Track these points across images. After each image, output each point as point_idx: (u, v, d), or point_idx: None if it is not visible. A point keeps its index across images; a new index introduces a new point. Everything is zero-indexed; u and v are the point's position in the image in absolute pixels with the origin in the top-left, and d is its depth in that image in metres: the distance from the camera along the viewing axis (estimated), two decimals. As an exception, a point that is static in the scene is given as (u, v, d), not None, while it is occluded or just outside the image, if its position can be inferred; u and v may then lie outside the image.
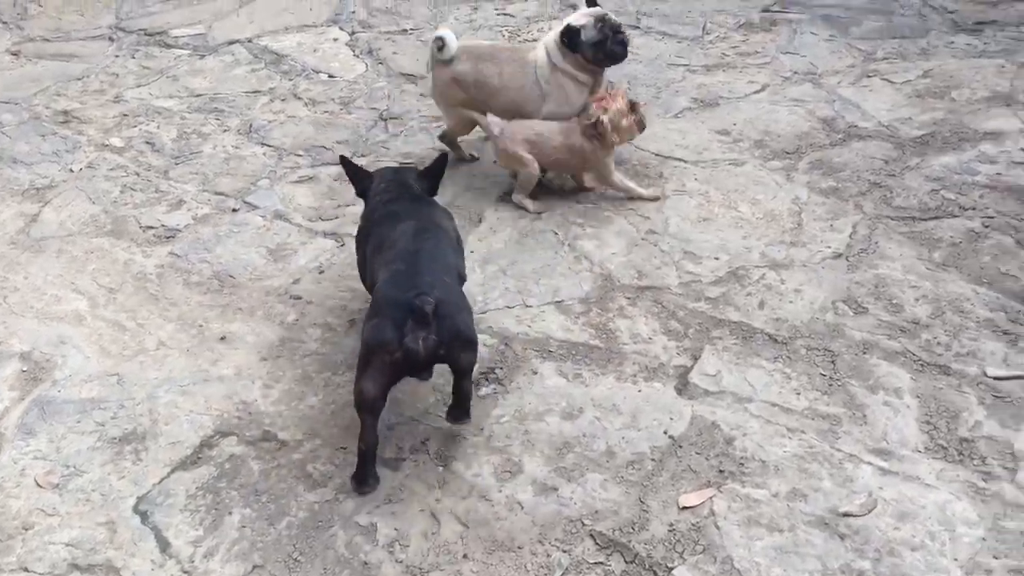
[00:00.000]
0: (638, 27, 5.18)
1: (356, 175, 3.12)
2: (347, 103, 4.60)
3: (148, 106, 4.59)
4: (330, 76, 4.86)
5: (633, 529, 2.40)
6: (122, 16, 5.60)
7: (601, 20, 3.64)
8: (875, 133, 4.13)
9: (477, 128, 4.00)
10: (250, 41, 5.23)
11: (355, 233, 3.10)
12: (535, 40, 5.01)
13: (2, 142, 4.32)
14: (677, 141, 4.13)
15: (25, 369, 3.00)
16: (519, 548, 2.38)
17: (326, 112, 4.52)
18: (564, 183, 3.89)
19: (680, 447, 2.65)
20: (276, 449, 2.69)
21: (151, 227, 3.70)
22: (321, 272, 3.44)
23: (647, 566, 2.32)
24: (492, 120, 3.68)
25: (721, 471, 2.57)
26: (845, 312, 3.13)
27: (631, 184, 3.76)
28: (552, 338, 3.08)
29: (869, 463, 2.56)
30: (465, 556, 2.37)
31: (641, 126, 3.67)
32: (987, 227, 3.48)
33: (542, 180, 3.77)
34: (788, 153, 4.02)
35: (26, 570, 2.37)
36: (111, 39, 5.31)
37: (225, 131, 4.37)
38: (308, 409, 2.84)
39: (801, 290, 3.24)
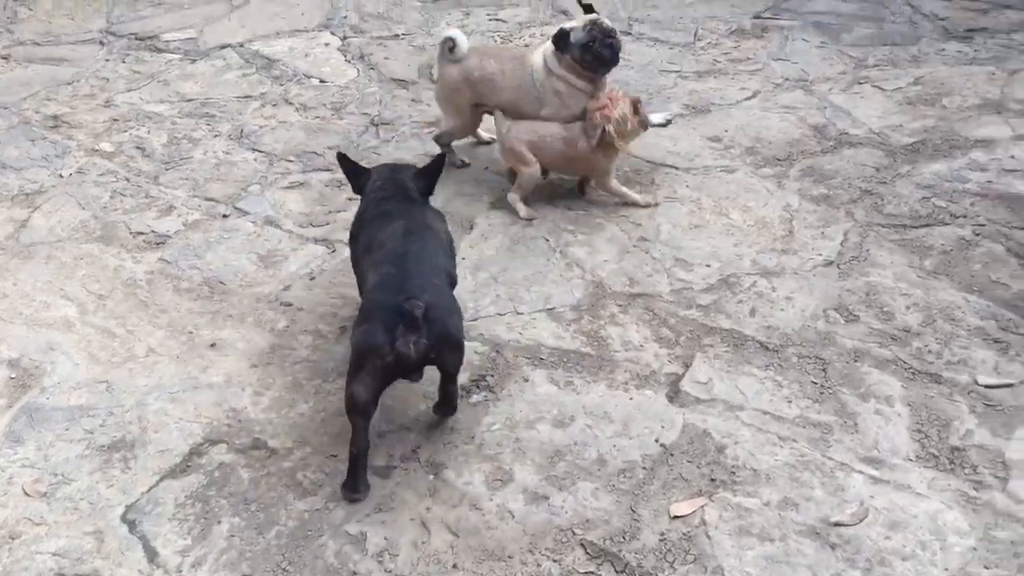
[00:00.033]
0: (630, 33, 5.18)
1: (354, 172, 3.11)
2: (338, 108, 4.59)
3: (138, 111, 4.57)
4: (321, 81, 4.85)
5: (624, 538, 2.40)
6: (113, 20, 5.57)
7: (592, 24, 3.64)
8: (866, 140, 4.14)
9: (468, 137, 4.03)
10: (241, 46, 5.21)
11: (349, 228, 3.09)
12: (528, 45, 5.02)
13: (-9, 147, 4.30)
14: (668, 148, 4.13)
15: (13, 376, 2.98)
16: (509, 558, 2.37)
17: (317, 117, 4.51)
18: (564, 182, 3.89)
19: (671, 455, 2.65)
20: (266, 457, 2.68)
21: (141, 233, 3.68)
22: (312, 279, 3.43)
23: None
24: (499, 117, 3.72)
25: (712, 480, 2.56)
26: (836, 320, 3.13)
27: (625, 189, 3.76)
28: (543, 345, 3.07)
29: (860, 472, 2.56)
30: (455, 566, 2.36)
31: (644, 126, 3.68)
32: (978, 235, 3.49)
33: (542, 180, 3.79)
34: (779, 160, 4.03)
35: (12, 580, 2.35)
36: (102, 43, 5.29)
37: (216, 136, 4.36)
38: (298, 417, 2.82)
39: (792, 298, 3.24)
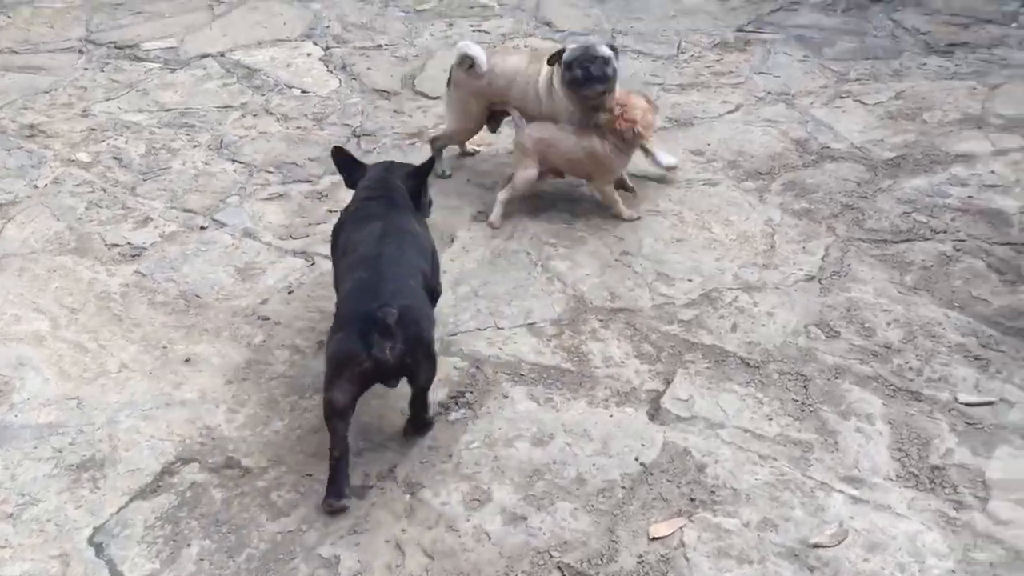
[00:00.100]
0: (613, 46, 5.16)
1: (349, 167, 3.10)
2: (320, 119, 4.55)
3: (117, 120, 4.52)
4: (303, 91, 4.81)
5: (602, 561, 2.36)
6: (92, 28, 5.52)
7: (585, 47, 3.63)
8: (848, 155, 4.14)
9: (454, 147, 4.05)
10: (222, 55, 5.17)
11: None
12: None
13: (-35, 156, 4.24)
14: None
15: (-18, 392, 2.93)
16: (486, 580, 2.33)
17: (298, 128, 4.47)
18: (546, 195, 3.87)
19: (651, 474, 2.62)
20: (239, 476, 2.63)
21: (116, 245, 3.63)
22: (290, 292, 3.38)
23: (616, 598, 2.29)
24: (515, 114, 3.79)
25: (692, 499, 2.53)
26: (817, 336, 3.11)
27: (618, 197, 3.74)
28: (524, 361, 3.04)
29: (840, 491, 2.54)
30: (431, 588, 2.32)
31: (655, 111, 3.74)
32: (958, 250, 3.49)
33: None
34: (761, 174, 4.02)
35: (-24, 604, 2.29)
36: (81, 52, 5.23)
37: (195, 147, 4.31)
38: (273, 434, 2.78)
39: (774, 313, 3.22)
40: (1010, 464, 2.60)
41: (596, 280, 3.40)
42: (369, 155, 4.22)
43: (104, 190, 3.97)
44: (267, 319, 3.24)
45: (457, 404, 2.88)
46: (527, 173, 3.69)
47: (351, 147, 4.29)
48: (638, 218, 3.72)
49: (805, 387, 2.90)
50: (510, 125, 3.94)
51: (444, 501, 2.55)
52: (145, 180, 4.05)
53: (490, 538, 2.43)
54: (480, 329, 3.18)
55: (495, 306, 3.28)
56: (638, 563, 2.35)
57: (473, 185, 4.00)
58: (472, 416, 2.83)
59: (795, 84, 4.77)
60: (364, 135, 4.38)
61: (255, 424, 2.81)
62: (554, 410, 2.84)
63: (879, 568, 2.32)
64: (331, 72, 5.00)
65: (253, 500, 2.55)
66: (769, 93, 4.69)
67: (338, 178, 3.99)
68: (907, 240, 3.56)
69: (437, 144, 4.06)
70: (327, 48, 5.26)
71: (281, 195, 3.95)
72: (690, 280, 3.39)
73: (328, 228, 3.67)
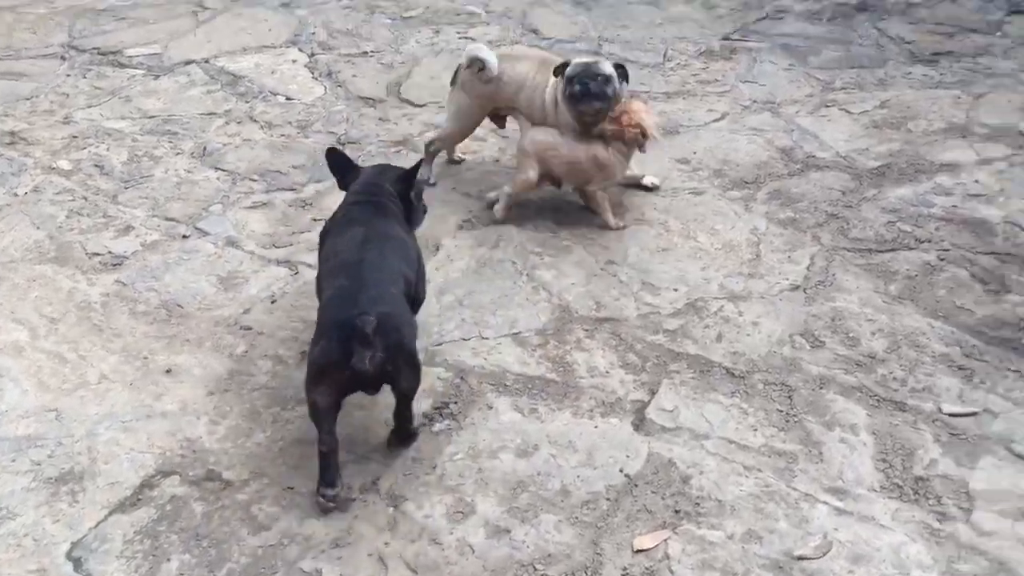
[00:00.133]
0: (600, 53, 5.17)
1: (343, 168, 3.09)
2: (304, 126, 4.52)
3: (99, 128, 4.48)
4: (288, 99, 4.78)
5: (586, 574, 2.35)
6: (75, 34, 5.47)
7: (585, 64, 3.62)
8: (833, 163, 4.14)
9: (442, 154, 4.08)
10: (207, 61, 5.14)
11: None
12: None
13: (-55, 163, 4.19)
14: (637, 170, 4.09)
15: (-41, 404, 2.89)
16: (469, 594, 2.31)
17: (283, 136, 4.45)
18: (531, 203, 3.86)
19: (636, 486, 2.61)
20: (220, 489, 2.60)
21: (97, 254, 3.59)
22: (273, 302, 3.36)
23: (600, 612, 2.27)
24: (521, 118, 3.81)
25: (677, 511, 2.52)
26: (802, 346, 3.11)
27: (608, 205, 3.73)
28: (508, 371, 3.02)
29: (825, 503, 2.53)
30: (413, 603, 2.30)
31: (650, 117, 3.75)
32: (942, 260, 3.50)
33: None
34: (747, 183, 4.02)
35: (-49, 621, 2.26)
36: (63, 58, 5.19)
37: (178, 154, 4.28)
38: (255, 447, 2.75)
39: (759, 323, 3.22)
40: (994, 475, 2.60)
41: (581, 289, 3.39)
42: (354, 163, 4.20)
43: (85, 198, 3.93)
44: (250, 329, 3.22)
45: (441, 415, 2.86)
46: (526, 176, 3.68)
47: (335, 155, 4.26)
48: (624, 227, 3.72)
49: (790, 397, 2.90)
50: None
51: (427, 514, 2.52)
52: (127, 188, 4.02)
53: (473, 551, 2.41)
54: (465, 339, 3.17)
55: (480, 316, 3.26)
56: (622, 576, 2.34)
57: (459, 193, 3.98)
58: (456, 427, 2.81)
59: (780, 93, 4.77)
60: (349, 143, 4.36)
61: (237, 436, 2.78)
62: (539, 421, 2.83)
63: (863, 581, 2.32)
64: (316, 79, 4.98)
65: (234, 514, 2.52)
66: (755, 102, 4.70)
67: (322, 186, 4.02)
68: (892, 249, 3.57)
69: (432, 148, 4.06)
70: (312, 55, 5.23)
71: (265, 203, 3.92)
72: (675, 289, 3.39)
73: (312, 237, 3.66)
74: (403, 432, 2.70)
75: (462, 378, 2.99)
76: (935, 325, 3.18)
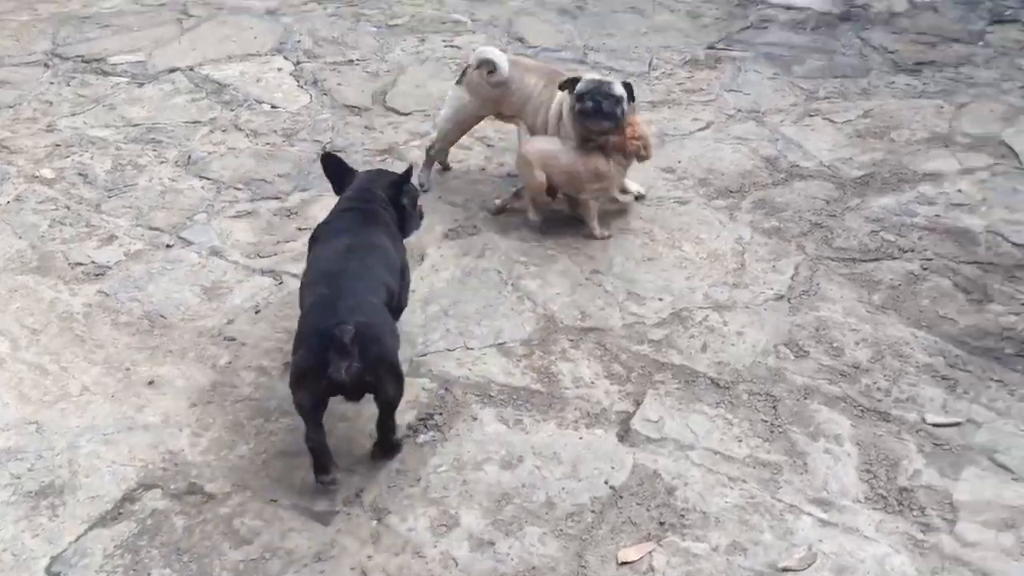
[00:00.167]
0: (585, 62, 5.18)
1: (339, 174, 3.09)
2: (290, 135, 4.51)
3: (82, 136, 4.45)
4: (273, 107, 4.77)
5: (570, 587, 2.34)
6: (59, 42, 5.44)
7: (597, 81, 3.61)
8: (817, 173, 4.16)
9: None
10: (191, 69, 5.11)
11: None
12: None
13: (-75, 172, 4.15)
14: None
15: (-62, 416, 2.85)
16: (453, 608, 2.30)
17: (268, 144, 4.43)
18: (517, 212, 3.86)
19: (621, 498, 2.60)
20: (202, 503, 2.58)
21: (80, 264, 3.56)
22: (257, 312, 3.34)
23: (585, 625, 2.26)
24: (521, 127, 3.82)
25: (661, 523, 2.52)
26: (787, 356, 3.12)
27: (595, 215, 3.73)
28: (493, 382, 3.02)
29: (809, 514, 2.53)
30: (397, 617, 2.28)
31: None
32: (926, 269, 3.51)
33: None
34: (732, 192, 4.03)
35: (-72, 638, 2.23)
36: (46, 65, 5.16)
37: (162, 163, 4.26)
38: (238, 459, 2.73)
39: (743, 332, 3.23)
40: (977, 485, 2.61)
41: (566, 299, 3.39)
42: (339, 172, 4.19)
43: (68, 207, 3.91)
44: (233, 340, 3.20)
45: (426, 426, 2.85)
46: (534, 178, 3.67)
47: (319, 165, 4.25)
48: (609, 236, 3.72)
49: (774, 408, 2.90)
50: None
51: (411, 527, 2.51)
52: (110, 197, 3.99)
53: (457, 564, 2.40)
54: (450, 349, 3.16)
55: (465, 326, 3.26)
56: (607, 589, 2.33)
57: (444, 203, 3.97)
58: (441, 439, 2.80)
59: (765, 102, 4.79)
60: (334, 151, 4.33)
61: (219, 448, 2.77)
62: (523, 432, 2.82)
63: (847, 592, 2.32)
64: (301, 87, 4.96)
65: (216, 527, 2.50)
66: (739, 111, 4.71)
67: (308, 194, 4.01)
68: (875, 259, 3.58)
69: (433, 152, 4.07)
70: (298, 63, 5.22)
71: (249, 212, 3.91)
72: (660, 299, 3.39)
73: (297, 246, 3.66)
74: (386, 444, 2.69)
75: (447, 389, 2.98)
76: (919, 335, 3.19)
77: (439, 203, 3.97)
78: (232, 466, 2.70)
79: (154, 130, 4.52)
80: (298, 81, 5.02)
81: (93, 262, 3.57)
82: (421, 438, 2.80)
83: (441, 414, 2.89)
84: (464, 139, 4.44)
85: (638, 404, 2.92)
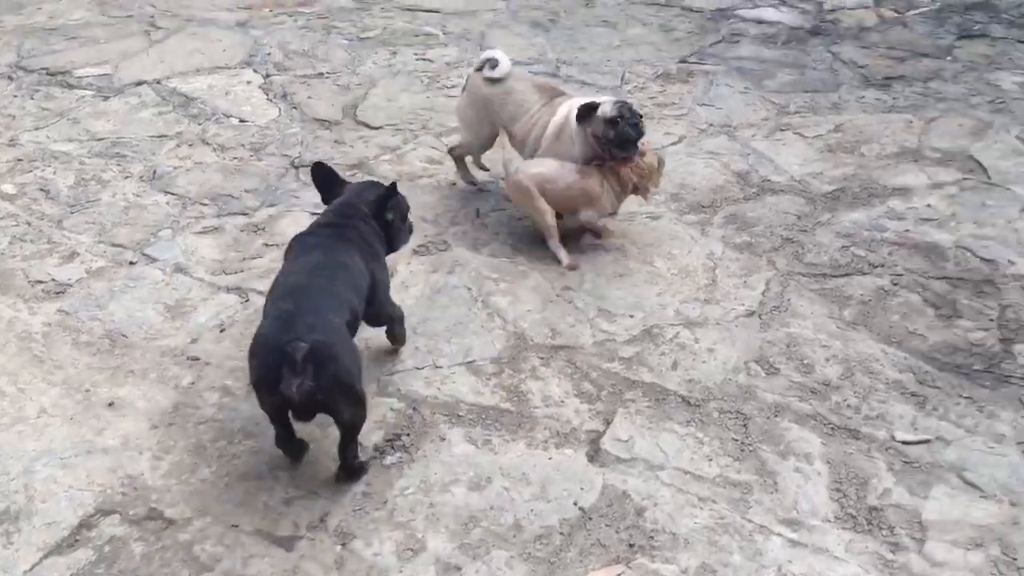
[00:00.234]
0: (557, 75, 5.17)
1: (328, 184, 3.06)
2: (258, 149, 4.45)
3: (45, 150, 4.38)
4: (241, 121, 4.71)
5: (538, 613, 2.31)
6: (24, 54, 5.36)
7: (623, 103, 3.56)
8: (787, 188, 4.16)
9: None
10: (158, 82, 5.05)
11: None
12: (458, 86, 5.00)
13: None
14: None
15: None
16: (418, 635, 2.26)
17: (235, 159, 4.37)
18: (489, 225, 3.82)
19: (590, 519, 2.57)
20: (162, 529, 2.52)
21: (40, 281, 3.49)
22: (222, 330, 3.28)
23: (552, 652, 2.23)
24: (506, 157, 3.71)
25: (631, 545, 2.49)
26: (757, 373, 3.10)
27: (606, 223, 3.73)
28: (462, 402, 2.98)
29: (779, 534, 2.51)
30: (361, 646, 2.23)
31: (663, 174, 3.70)
32: (896, 284, 3.52)
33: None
34: (704, 207, 4.03)
35: None
36: (10, 78, 5.07)
37: (126, 178, 4.19)
38: (199, 483, 2.67)
39: (714, 349, 3.21)
40: (946, 504, 2.60)
41: (537, 316, 3.36)
42: (308, 187, 4.12)
43: (29, 223, 3.83)
44: (197, 359, 3.14)
45: (393, 447, 2.80)
46: (540, 210, 3.58)
47: (289, 178, 4.21)
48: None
49: (745, 426, 2.88)
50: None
51: (376, 551, 2.46)
52: (73, 213, 3.92)
53: (423, 591, 2.36)
54: (418, 368, 3.12)
55: (434, 344, 3.21)
56: (574, 615, 2.30)
57: (414, 218, 3.92)
58: (408, 460, 2.75)
59: (737, 116, 4.80)
60: (303, 166, 4.29)
61: (180, 472, 2.70)
62: (492, 453, 2.78)
63: (817, 615, 2.30)
64: (271, 101, 4.91)
65: (175, 554, 2.44)
66: (711, 125, 4.72)
67: (275, 210, 3.97)
68: (845, 274, 3.59)
69: (455, 153, 4.06)
70: (267, 76, 5.17)
71: (215, 228, 3.85)
72: (631, 316, 3.37)
73: (264, 263, 3.61)
74: (348, 467, 2.64)
75: (415, 409, 2.94)
76: (888, 351, 3.19)
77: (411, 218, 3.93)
78: (193, 490, 2.64)
79: (119, 144, 4.45)
80: (267, 94, 4.97)
81: (54, 280, 3.50)
82: (388, 459, 2.75)
83: (409, 435, 2.85)
84: (436, 153, 4.43)
85: (608, 423, 2.89)
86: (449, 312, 3.37)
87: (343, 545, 2.48)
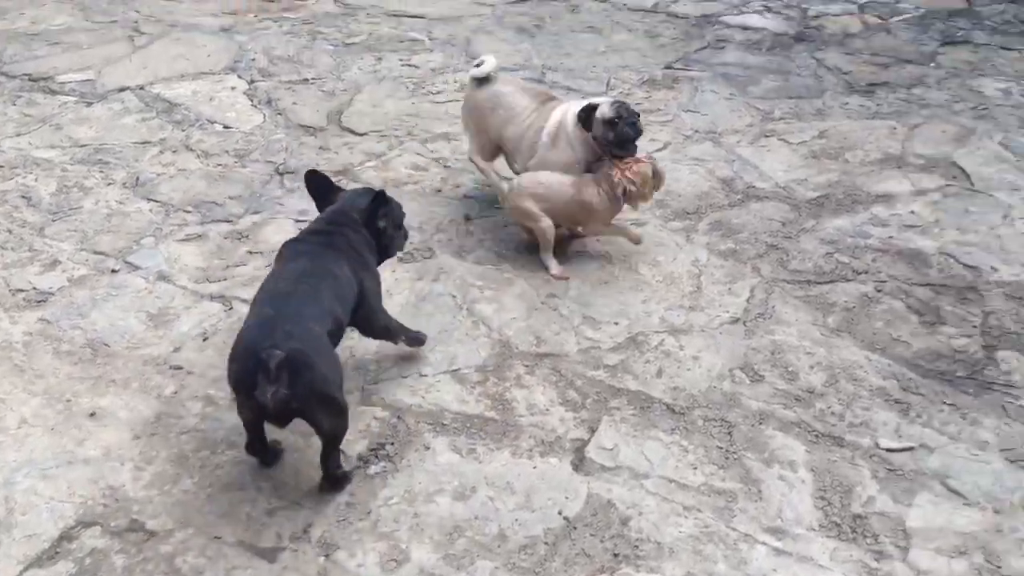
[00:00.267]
0: (543, 81, 5.17)
1: (323, 191, 3.04)
2: (242, 156, 4.43)
3: (27, 157, 4.34)
4: (225, 127, 4.69)
5: (522, 624, 2.30)
6: (6, 60, 5.32)
7: (620, 103, 3.57)
8: (772, 194, 4.17)
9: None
10: (142, 88, 5.02)
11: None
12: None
13: None
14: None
15: None
16: (402, 647, 2.24)
17: (219, 165, 4.35)
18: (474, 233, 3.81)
19: (575, 528, 2.56)
20: (143, 541, 2.50)
21: (21, 290, 3.46)
22: (205, 339, 3.26)
23: (537, 663, 2.22)
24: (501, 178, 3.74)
25: (615, 554, 2.48)
26: (742, 380, 3.10)
27: (623, 225, 3.71)
28: (447, 410, 2.97)
29: (764, 543, 2.51)
30: (344, 658, 2.22)
31: (658, 187, 3.63)
32: (879, 291, 3.53)
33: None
34: (689, 213, 4.03)
35: None
36: (-9, 84, 5.04)
37: (109, 184, 4.16)
38: (182, 494, 2.65)
39: (699, 357, 3.21)
40: (930, 512, 2.61)
41: (522, 324, 3.35)
42: (292, 194, 4.12)
43: (10, 231, 3.79)
44: (179, 368, 3.11)
45: (377, 457, 2.79)
46: (543, 225, 3.56)
47: (273, 185, 4.19)
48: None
49: (729, 434, 2.88)
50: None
51: (360, 563, 2.45)
52: (55, 220, 3.89)
53: (407, 602, 2.34)
54: (403, 376, 3.10)
55: (418, 352, 3.20)
56: (559, 626, 2.29)
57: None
58: (392, 469, 2.74)
59: (722, 122, 4.81)
60: (287, 172, 4.28)
61: (162, 483, 2.68)
62: (477, 462, 2.77)
63: (801, 625, 2.30)
64: (255, 107, 4.89)
65: (157, 567, 2.42)
66: (696, 131, 4.72)
67: (259, 217, 3.95)
68: (830, 281, 3.59)
69: (471, 158, 4.05)
70: (252, 82, 5.15)
71: (199, 236, 3.82)
72: (616, 323, 3.36)
73: (248, 270, 3.59)
74: (331, 477, 2.63)
75: (399, 418, 2.93)
76: (872, 358, 3.20)
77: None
78: (176, 501, 2.62)
79: (102, 151, 4.42)
80: (252, 100, 4.95)
81: (35, 288, 3.47)
82: (372, 469, 2.74)
83: (393, 444, 2.83)
84: (419, 159, 4.42)
85: (593, 431, 2.89)
86: (434, 320, 3.36)
87: (326, 556, 2.47)
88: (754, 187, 4.23)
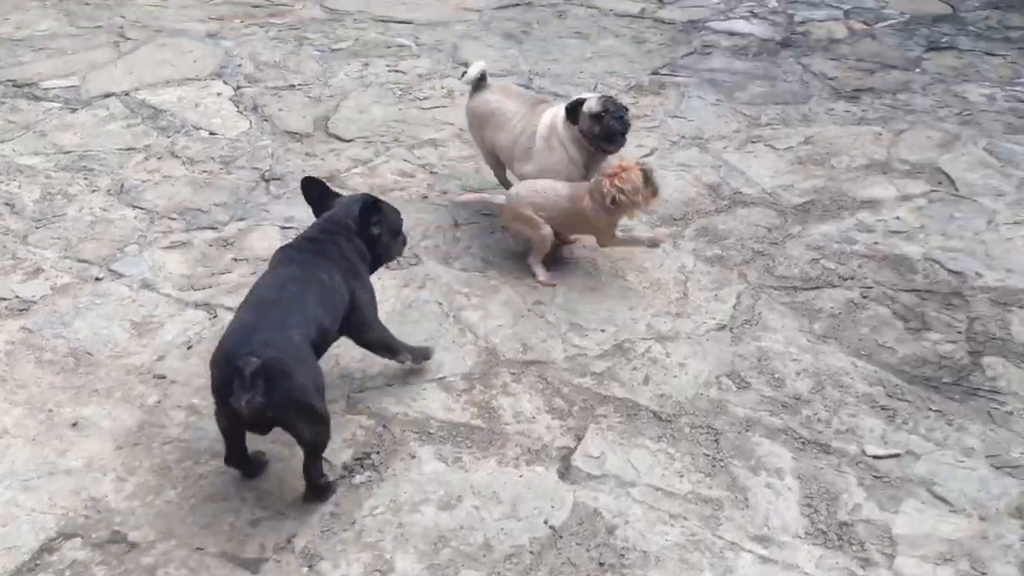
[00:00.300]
0: (530, 87, 5.17)
1: (320, 198, 3.01)
2: (228, 162, 4.41)
3: (10, 164, 4.31)
4: (211, 133, 4.67)
5: (507, 635, 2.28)
6: (-11, 65, 5.29)
7: (607, 98, 3.59)
8: (759, 200, 4.18)
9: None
10: (127, 94, 4.99)
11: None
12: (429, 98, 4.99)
13: None
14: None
15: None
16: (386, 659, 2.23)
17: (205, 172, 4.33)
18: (463, 239, 3.80)
19: (560, 538, 2.55)
20: (125, 552, 2.47)
21: (3, 299, 3.43)
22: (189, 348, 3.23)
23: (522, 674, 2.20)
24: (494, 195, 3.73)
25: (601, 564, 2.47)
26: (728, 387, 3.10)
27: (633, 235, 3.68)
28: (433, 418, 2.95)
29: (750, 551, 2.51)
30: (327, 671, 2.20)
31: (655, 194, 3.50)
32: (865, 297, 3.53)
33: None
34: (675, 219, 4.03)
35: None
36: (-26, 90, 5.00)
37: (93, 191, 4.13)
38: (164, 505, 2.62)
39: (686, 364, 3.21)
40: (916, 519, 2.61)
41: (508, 331, 3.34)
42: (278, 201, 4.10)
43: (-8, 239, 3.77)
44: (163, 378, 3.09)
45: (362, 466, 2.77)
46: (541, 233, 3.54)
47: (259, 192, 4.17)
48: (661, 242, 3.68)
49: (716, 441, 2.88)
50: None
51: (344, 573, 2.43)
52: (38, 228, 3.86)
53: (391, 614, 2.33)
54: (388, 384, 3.09)
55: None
56: (544, 637, 2.28)
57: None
58: (377, 479, 2.72)
59: (708, 128, 4.82)
60: (273, 179, 4.26)
61: (145, 493, 2.66)
62: (463, 471, 2.76)
63: (787, 634, 2.29)
64: (241, 113, 4.87)
65: (138, 579, 2.40)
66: (683, 137, 4.73)
67: (245, 224, 3.93)
68: (816, 287, 3.60)
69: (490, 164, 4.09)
70: (238, 88, 5.13)
71: (184, 243, 3.80)
72: (603, 330, 3.36)
73: (233, 278, 3.57)
74: (314, 486, 2.61)
75: (385, 426, 2.91)
76: (858, 364, 3.20)
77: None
78: (158, 512, 2.60)
79: (86, 157, 4.39)
80: (238, 106, 4.93)
81: (17, 296, 3.44)
82: (357, 478, 2.72)
83: (378, 453, 2.82)
84: (406, 166, 4.41)
85: (579, 439, 2.88)
86: (420, 327, 3.34)
87: (310, 567, 2.45)
88: (740, 193, 4.23)
